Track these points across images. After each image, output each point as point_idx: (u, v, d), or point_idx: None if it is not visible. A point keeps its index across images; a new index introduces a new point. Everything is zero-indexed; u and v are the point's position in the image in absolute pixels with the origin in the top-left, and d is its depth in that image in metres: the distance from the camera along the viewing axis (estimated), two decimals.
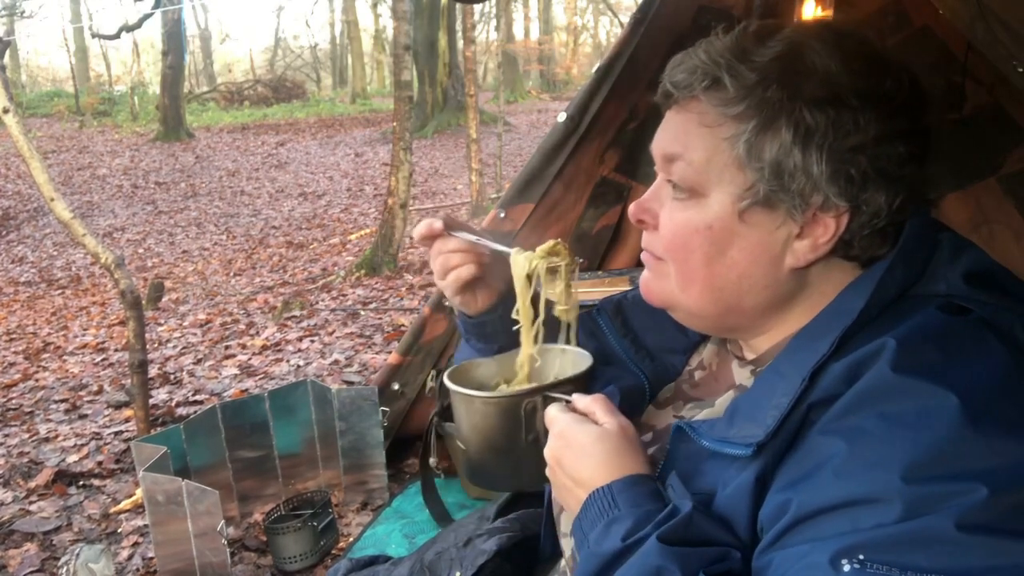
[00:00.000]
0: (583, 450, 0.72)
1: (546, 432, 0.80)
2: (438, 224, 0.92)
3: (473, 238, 0.91)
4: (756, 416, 0.66)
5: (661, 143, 0.76)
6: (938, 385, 0.58)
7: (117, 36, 16.05)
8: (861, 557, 0.54)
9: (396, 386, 2.57)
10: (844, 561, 0.55)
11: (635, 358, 0.92)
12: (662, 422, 0.86)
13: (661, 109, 0.78)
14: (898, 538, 0.54)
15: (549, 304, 0.90)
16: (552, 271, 0.88)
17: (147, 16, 15.17)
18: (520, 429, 0.82)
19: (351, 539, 2.28)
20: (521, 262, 0.88)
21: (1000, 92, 2.03)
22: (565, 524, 0.88)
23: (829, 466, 0.59)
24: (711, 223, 0.72)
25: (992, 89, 2.04)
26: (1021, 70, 1.22)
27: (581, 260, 0.91)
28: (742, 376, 0.79)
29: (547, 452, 0.76)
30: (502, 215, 2.42)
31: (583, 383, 0.84)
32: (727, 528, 0.66)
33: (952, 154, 2.16)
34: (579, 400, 0.78)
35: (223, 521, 1.93)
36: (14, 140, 2.83)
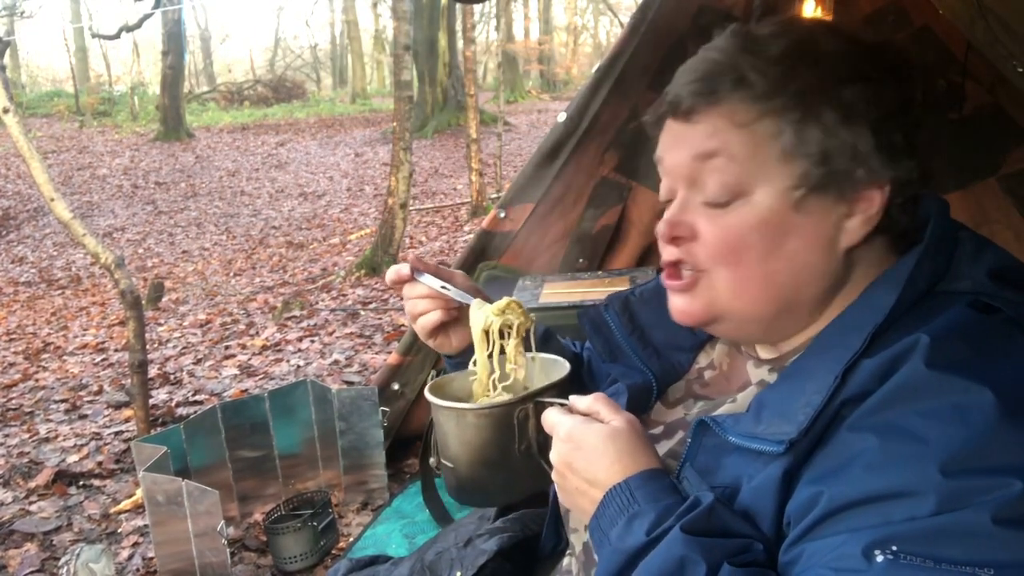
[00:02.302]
0: (595, 450, 0.71)
1: (539, 439, 0.79)
2: (405, 270, 0.94)
3: (438, 286, 0.93)
4: (787, 413, 0.66)
5: (691, 147, 0.73)
6: (973, 381, 0.58)
7: (117, 36, 16.04)
8: (894, 548, 0.55)
9: (396, 386, 2.57)
10: (877, 552, 0.55)
11: (642, 355, 0.92)
12: (671, 419, 0.86)
13: (660, 121, 0.77)
14: (932, 530, 0.54)
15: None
16: (509, 327, 0.90)
17: (147, 16, 15.16)
18: (513, 439, 0.81)
19: (351, 539, 2.28)
20: (479, 317, 0.89)
21: (1000, 92, 2.03)
22: (575, 520, 0.88)
23: (861, 460, 0.60)
24: (765, 218, 0.70)
25: (992, 89, 2.05)
26: (1021, 70, 1.22)
27: (535, 320, 0.92)
28: (759, 374, 0.79)
29: (555, 457, 0.75)
30: (502, 215, 2.42)
31: (567, 387, 0.84)
32: (750, 521, 0.66)
33: (952, 154, 2.16)
34: (579, 401, 0.77)
35: (223, 521, 1.93)
36: (14, 140, 2.83)
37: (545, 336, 1.07)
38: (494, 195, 8.01)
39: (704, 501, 0.65)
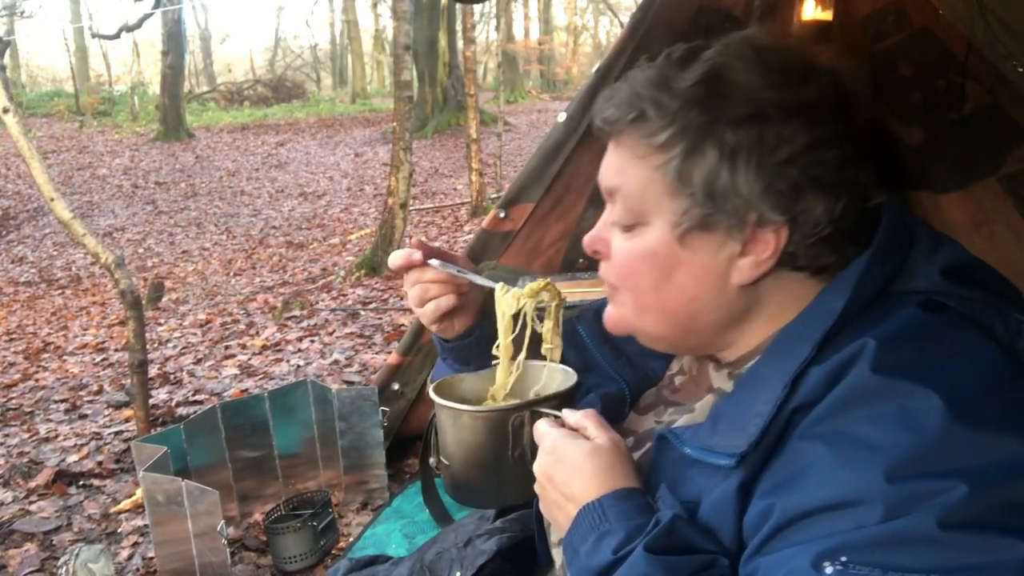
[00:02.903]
0: (575, 465, 0.72)
1: (532, 447, 0.79)
2: (417, 255, 0.90)
3: (454, 270, 0.90)
4: (740, 424, 0.65)
5: (603, 177, 0.77)
6: (919, 384, 0.58)
7: (117, 36, 16.06)
8: (844, 559, 0.54)
9: (396, 386, 2.57)
10: (827, 563, 0.54)
11: (615, 365, 0.92)
12: (643, 427, 0.86)
13: (602, 143, 0.79)
14: (880, 538, 0.54)
15: (533, 340, 0.89)
16: (539, 311, 0.88)
17: (147, 16, 15.18)
18: (507, 444, 0.81)
19: (351, 539, 2.28)
20: (508, 301, 0.88)
21: (1000, 92, 2.03)
22: (555, 535, 0.88)
23: (811, 471, 0.59)
24: (655, 250, 0.73)
25: (992, 89, 2.04)
26: (1021, 70, 1.21)
27: (566, 299, 0.91)
28: (719, 380, 0.79)
29: (537, 468, 0.75)
30: (502, 215, 2.42)
31: (569, 399, 0.84)
32: (712, 536, 0.65)
33: (952, 154, 2.16)
34: (569, 415, 0.77)
35: (223, 521, 1.93)
36: (14, 140, 2.83)
37: None
38: (494, 195, 8.01)
39: (664, 519, 0.65)
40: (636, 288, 0.75)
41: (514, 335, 0.88)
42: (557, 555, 0.86)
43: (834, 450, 0.58)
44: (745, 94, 0.67)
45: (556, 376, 0.92)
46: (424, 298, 0.93)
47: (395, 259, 0.92)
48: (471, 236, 3.70)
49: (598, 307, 0.95)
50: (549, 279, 0.90)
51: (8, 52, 18.12)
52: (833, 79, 0.70)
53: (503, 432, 0.81)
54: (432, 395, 0.86)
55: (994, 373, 0.61)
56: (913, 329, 0.63)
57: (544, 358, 0.91)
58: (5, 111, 2.78)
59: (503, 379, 0.91)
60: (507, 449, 0.81)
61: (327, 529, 2.26)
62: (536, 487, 0.76)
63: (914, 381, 0.58)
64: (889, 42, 2.16)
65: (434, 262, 0.91)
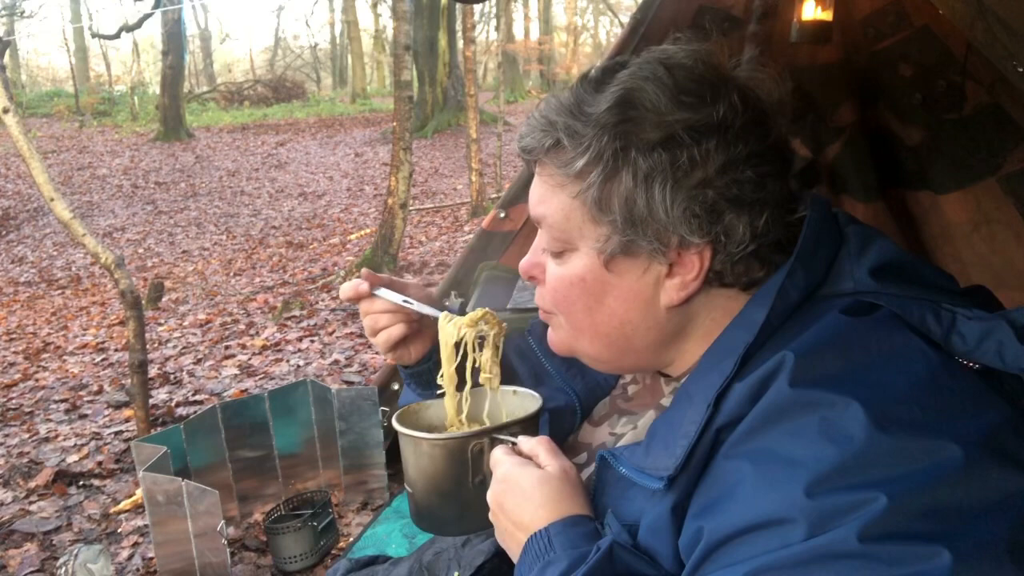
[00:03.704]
0: (523, 494, 0.72)
1: (492, 474, 0.79)
2: (364, 286, 0.92)
3: (400, 300, 0.91)
4: (669, 444, 0.65)
5: (530, 205, 0.77)
6: (839, 394, 0.57)
7: (117, 36, 16.06)
8: None
9: (396, 386, 2.56)
10: None
11: (566, 376, 0.92)
12: (597, 440, 0.86)
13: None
14: (804, 556, 0.53)
15: (475, 371, 0.89)
16: (481, 340, 0.88)
17: (147, 16, 15.18)
18: (467, 472, 0.81)
19: (351, 539, 2.28)
20: (449, 330, 0.88)
21: (1000, 92, 2.03)
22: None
23: (736, 491, 0.58)
24: (583, 276, 0.73)
25: (992, 89, 2.04)
26: (1021, 70, 1.22)
27: (506, 326, 0.91)
28: (666, 392, 0.79)
29: (490, 496, 0.75)
30: (502, 215, 2.42)
31: (531, 425, 0.84)
32: (652, 559, 0.65)
33: (952, 154, 2.16)
34: (524, 442, 0.77)
35: (223, 521, 1.93)
36: (14, 140, 2.83)
37: None
38: (494, 195, 8.02)
39: (603, 546, 0.64)
40: (570, 312, 0.76)
41: (456, 363, 0.88)
42: None
43: (757, 468, 0.58)
44: (656, 118, 0.66)
45: (522, 402, 0.91)
46: (375, 328, 0.94)
47: (344, 291, 0.93)
48: (471, 236, 3.70)
49: None
50: (488, 309, 0.90)
51: (8, 52, 18.13)
52: (746, 95, 0.68)
53: (462, 459, 0.81)
54: (394, 423, 0.86)
55: (920, 373, 0.59)
56: (834, 336, 0.62)
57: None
58: (5, 111, 2.78)
59: (452, 408, 0.91)
60: (467, 476, 0.81)
61: (327, 529, 2.26)
62: (490, 515, 0.76)
63: (835, 391, 0.57)
64: (889, 42, 2.16)
65: (382, 292, 0.92)
